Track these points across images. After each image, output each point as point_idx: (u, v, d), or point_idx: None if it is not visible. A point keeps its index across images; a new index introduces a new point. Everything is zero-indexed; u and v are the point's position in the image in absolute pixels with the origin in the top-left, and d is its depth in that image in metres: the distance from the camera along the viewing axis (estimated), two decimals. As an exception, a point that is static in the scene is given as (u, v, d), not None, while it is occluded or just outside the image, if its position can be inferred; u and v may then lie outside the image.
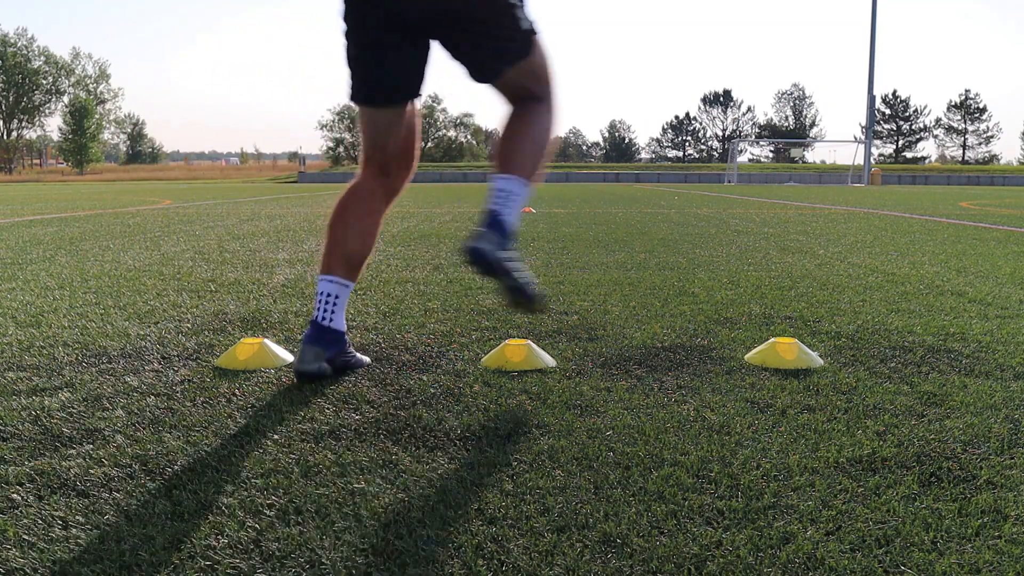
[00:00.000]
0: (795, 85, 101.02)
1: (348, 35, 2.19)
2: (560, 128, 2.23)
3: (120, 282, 4.06)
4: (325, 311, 2.27)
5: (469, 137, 79.46)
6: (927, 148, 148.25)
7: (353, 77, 2.24)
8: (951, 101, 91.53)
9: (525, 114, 2.25)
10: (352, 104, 2.30)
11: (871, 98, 44.61)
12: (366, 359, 2.44)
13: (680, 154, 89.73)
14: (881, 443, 1.75)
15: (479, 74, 2.22)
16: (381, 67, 2.19)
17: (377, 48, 2.16)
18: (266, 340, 2.47)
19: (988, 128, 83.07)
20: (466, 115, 78.66)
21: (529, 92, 2.26)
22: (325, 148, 76.56)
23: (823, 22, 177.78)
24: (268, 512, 1.41)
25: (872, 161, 49.59)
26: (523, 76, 2.23)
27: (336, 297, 2.30)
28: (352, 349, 2.38)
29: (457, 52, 2.20)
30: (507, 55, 2.18)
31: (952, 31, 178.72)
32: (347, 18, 2.16)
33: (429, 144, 77.66)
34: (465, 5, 2.09)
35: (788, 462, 1.64)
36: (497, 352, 2.43)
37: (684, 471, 1.59)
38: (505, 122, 2.27)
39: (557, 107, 2.32)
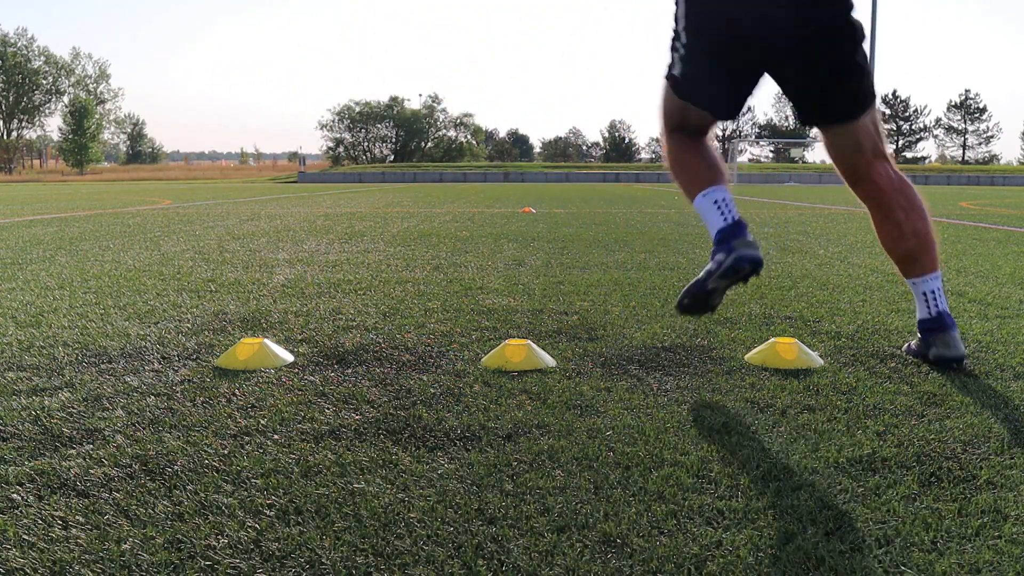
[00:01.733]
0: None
1: (694, 49, 2.26)
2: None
3: (120, 282, 4.06)
4: (734, 210, 2.30)
5: (469, 137, 79.45)
6: (927, 148, 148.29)
7: (686, 79, 2.32)
8: (951, 101, 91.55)
9: (909, 209, 2.38)
10: (669, 87, 2.37)
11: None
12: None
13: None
14: (881, 443, 1.75)
15: (835, 110, 2.29)
16: (732, 90, 2.32)
17: (732, 72, 2.27)
18: (266, 340, 2.47)
19: (988, 128, 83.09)
20: (466, 115, 78.72)
21: (871, 158, 2.35)
22: (325, 148, 76.61)
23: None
24: (268, 512, 1.41)
25: (872, 161, 49.44)
26: (858, 133, 2.32)
27: (731, 198, 2.33)
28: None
29: (800, 87, 2.29)
30: (862, 89, 2.27)
31: (952, 31, 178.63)
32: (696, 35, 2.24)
33: (429, 144, 77.70)
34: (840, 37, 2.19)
35: (788, 462, 1.64)
36: (497, 352, 2.43)
37: (684, 471, 1.59)
38: (890, 220, 2.39)
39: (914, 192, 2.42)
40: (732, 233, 2.23)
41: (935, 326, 2.38)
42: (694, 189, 2.34)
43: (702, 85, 2.32)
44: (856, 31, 2.20)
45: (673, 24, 2.32)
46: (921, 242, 2.38)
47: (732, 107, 2.38)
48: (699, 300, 2.26)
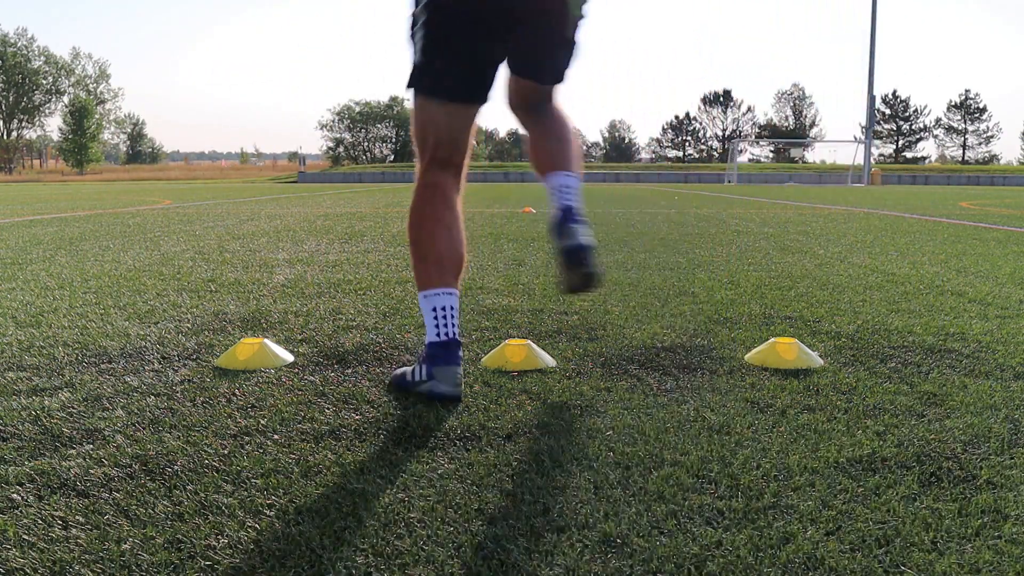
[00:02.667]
0: (795, 85, 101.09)
1: (439, 27, 2.10)
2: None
3: (120, 282, 4.06)
4: (448, 324, 2.13)
5: (469, 137, 79.29)
6: (927, 148, 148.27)
7: (438, 71, 2.14)
8: (951, 101, 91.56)
9: (562, 122, 2.37)
10: (422, 96, 2.19)
11: (871, 98, 44.61)
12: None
13: (680, 154, 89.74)
14: (881, 443, 1.75)
15: (550, 76, 2.32)
16: (475, 64, 2.16)
17: (475, 43, 2.13)
18: (266, 340, 2.47)
19: (988, 128, 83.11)
20: (466, 115, 78.52)
21: (552, 100, 2.38)
22: (325, 148, 76.60)
23: (823, 22, 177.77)
24: (268, 512, 1.41)
25: (872, 161, 49.59)
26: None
27: (454, 308, 2.16)
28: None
29: (530, 51, 2.26)
30: (568, 62, 2.32)
31: (952, 31, 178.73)
32: (438, 10, 2.09)
33: (429, 144, 77.50)
34: (551, 4, 2.16)
35: (788, 462, 1.64)
36: (497, 352, 2.43)
37: (684, 471, 1.59)
38: (546, 127, 2.36)
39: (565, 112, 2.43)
40: (439, 356, 2.07)
41: (561, 221, 2.14)
42: (421, 279, 2.17)
43: (448, 70, 2.15)
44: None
45: (411, 8, 2.16)
46: (561, 144, 2.30)
47: (480, 88, 2.21)
48: (399, 389, 2.16)
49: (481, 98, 2.23)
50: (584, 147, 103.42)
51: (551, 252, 2.28)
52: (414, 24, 2.15)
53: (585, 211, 2.21)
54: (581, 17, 2.26)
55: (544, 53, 2.29)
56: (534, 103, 2.38)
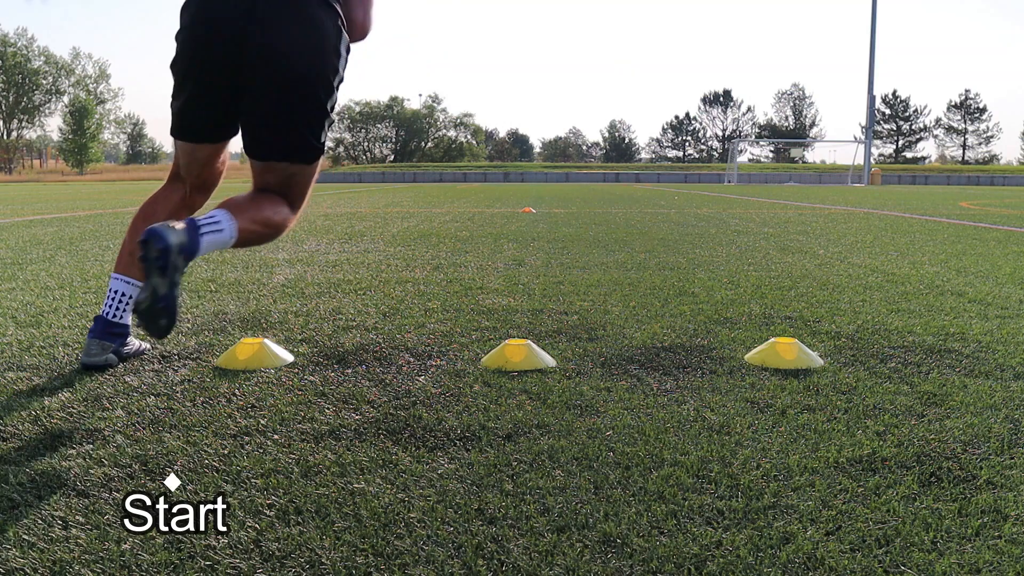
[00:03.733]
0: (795, 85, 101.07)
1: (182, 75, 2.17)
2: (277, 234, 2.29)
3: (120, 282, 4.06)
4: (117, 308, 2.38)
5: (469, 137, 79.47)
6: (927, 148, 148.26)
7: (180, 116, 2.25)
8: (951, 101, 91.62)
9: (275, 200, 2.23)
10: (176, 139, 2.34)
11: (871, 98, 44.62)
12: (145, 345, 2.56)
13: (680, 154, 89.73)
14: (881, 443, 1.75)
15: (259, 148, 2.18)
16: (212, 109, 2.19)
17: (209, 90, 2.15)
18: (266, 340, 2.47)
19: (988, 128, 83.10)
20: (466, 115, 78.72)
21: (284, 196, 2.24)
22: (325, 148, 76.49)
23: (823, 22, 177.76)
24: (268, 512, 1.41)
25: (872, 161, 49.62)
26: (291, 179, 2.21)
27: (129, 296, 2.39)
28: (132, 339, 2.48)
29: (255, 116, 2.15)
30: (300, 148, 2.17)
31: (952, 31, 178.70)
32: (182, 59, 2.15)
33: (429, 144, 77.71)
34: (298, 81, 2.07)
35: (788, 462, 1.64)
36: (497, 352, 2.43)
37: (684, 471, 1.59)
38: (254, 195, 2.23)
39: (291, 223, 2.30)
40: (96, 330, 2.36)
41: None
42: (120, 260, 2.39)
43: (183, 115, 2.25)
44: (322, 89, 2.11)
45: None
46: (252, 208, 2.19)
47: (204, 131, 2.28)
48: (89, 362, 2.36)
49: (208, 139, 2.30)
50: (584, 147, 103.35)
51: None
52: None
53: (201, 251, 1.98)
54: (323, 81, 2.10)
55: (258, 118, 2.14)
56: (260, 184, 2.24)
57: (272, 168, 2.20)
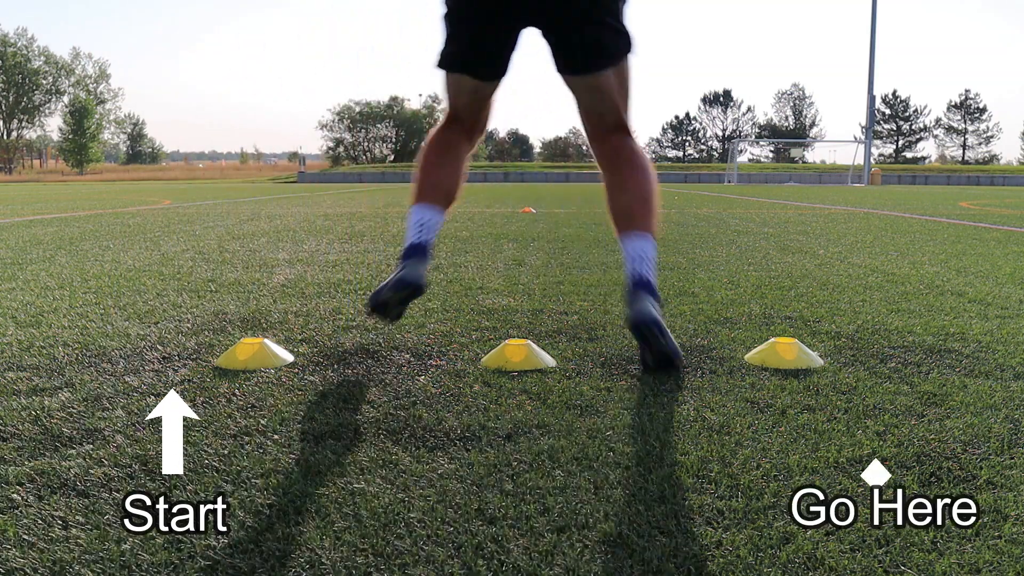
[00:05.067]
0: (795, 85, 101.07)
1: (459, 5, 2.32)
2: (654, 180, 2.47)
3: (120, 282, 4.06)
4: (428, 234, 2.42)
5: (469, 137, 79.28)
6: (927, 148, 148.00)
7: (460, 46, 2.38)
8: (951, 101, 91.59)
9: (634, 164, 2.43)
10: (445, 71, 2.44)
11: (871, 98, 44.63)
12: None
13: (680, 154, 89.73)
14: (881, 443, 1.75)
15: (580, 63, 2.32)
16: (496, 42, 2.34)
17: (492, 21, 2.29)
18: (266, 340, 2.47)
19: (988, 128, 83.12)
20: (466, 115, 78.53)
21: (615, 113, 2.42)
22: (325, 148, 76.63)
23: (823, 22, 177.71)
24: (268, 512, 1.41)
25: (872, 161, 49.61)
26: (615, 83, 2.36)
27: (436, 223, 2.45)
28: None
29: (561, 35, 2.30)
30: (612, 48, 2.32)
31: (952, 31, 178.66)
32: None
33: (429, 144, 77.52)
34: None
35: (788, 462, 1.64)
36: (497, 352, 2.43)
37: (684, 471, 1.59)
38: (616, 173, 2.43)
39: (641, 150, 2.49)
40: (409, 253, 2.38)
41: (631, 291, 2.33)
42: (416, 195, 2.50)
43: (463, 49, 2.39)
44: None
45: None
46: (640, 202, 2.44)
47: (493, 66, 2.43)
48: (377, 306, 2.37)
49: (494, 76, 2.44)
50: (584, 147, 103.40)
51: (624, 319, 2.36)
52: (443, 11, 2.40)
53: (655, 278, 2.33)
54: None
55: (568, 34, 2.29)
56: (596, 120, 2.42)
57: (600, 82, 2.34)
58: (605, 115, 2.46)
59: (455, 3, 2.36)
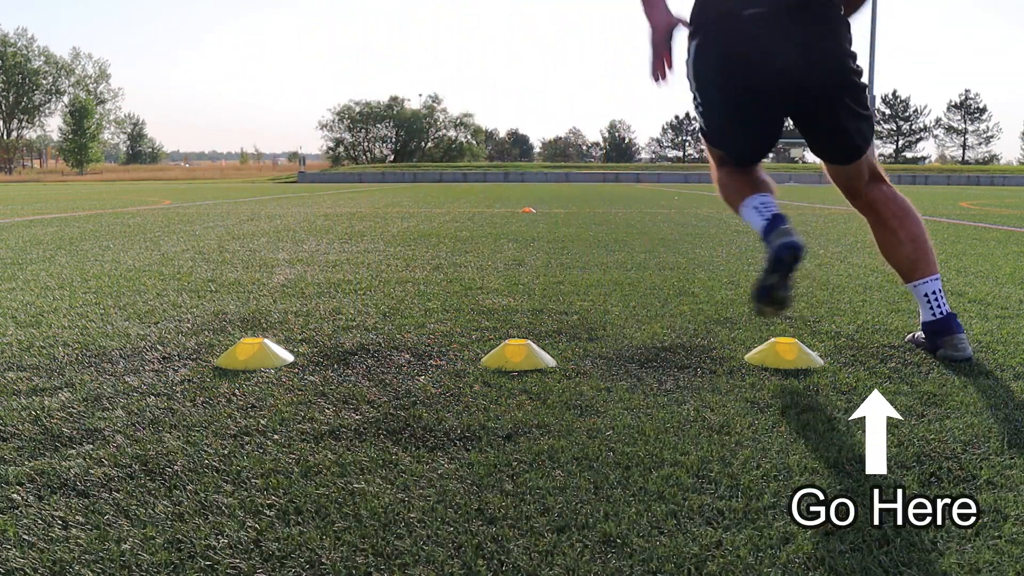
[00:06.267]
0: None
1: (708, 103, 2.42)
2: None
3: (120, 282, 4.06)
4: (772, 208, 2.41)
5: (469, 137, 79.45)
6: (927, 148, 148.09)
7: (719, 131, 2.51)
8: (951, 101, 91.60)
9: (902, 210, 2.53)
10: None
11: (871, 98, 44.62)
12: None
13: (680, 154, 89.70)
14: (881, 443, 1.75)
15: (844, 154, 2.43)
16: (764, 137, 2.47)
17: (759, 118, 2.39)
18: (266, 340, 2.47)
19: (988, 128, 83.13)
20: (466, 115, 78.70)
21: (870, 177, 2.52)
22: (325, 148, 76.64)
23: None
24: (268, 512, 1.41)
25: (872, 161, 49.50)
26: (861, 165, 2.48)
27: (771, 201, 2.45)
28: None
29: (809, 129, 2.41)
30: (867, 140, 2.43)
31: (952, 31, 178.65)
32: (703, 89, 2.39)
33: (429, 144, 77.71)
34: (840, 79, 2.30)
35: (788, 462, 1.64)
36: (497, 352, 2.43)
37: (684, 471, 1.59)
38: (885, 221, 2.54)
39: (906, 200, 2.57)
40: (770, 228, 2.32)
41: (941, 328, 2.48)
42: (738, 201, 2.49)
43: (727, 136, 2.51)
44: (858, 84, 2.33)
45: (688, 85, 2.47)
46: (918, 247, 2.50)
47: (757, 150, 2.53)
48: (764, 298, 2.29)
49: (757, 157, 2.55)
50: (584, 147, 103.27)
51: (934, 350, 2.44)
52: (694, 99, 2.49)
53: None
54: (854, 82, 2.31)
55: (821, 128, 2.39)
56: (848, 187, 2.53)
57: (858, 166, 2.47)
58: (861, 177, 2.54)
59: (715, 97, 2.40)
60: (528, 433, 1.82)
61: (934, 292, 2.49)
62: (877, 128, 77.60)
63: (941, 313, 2.48)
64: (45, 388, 2.15)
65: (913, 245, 2.50)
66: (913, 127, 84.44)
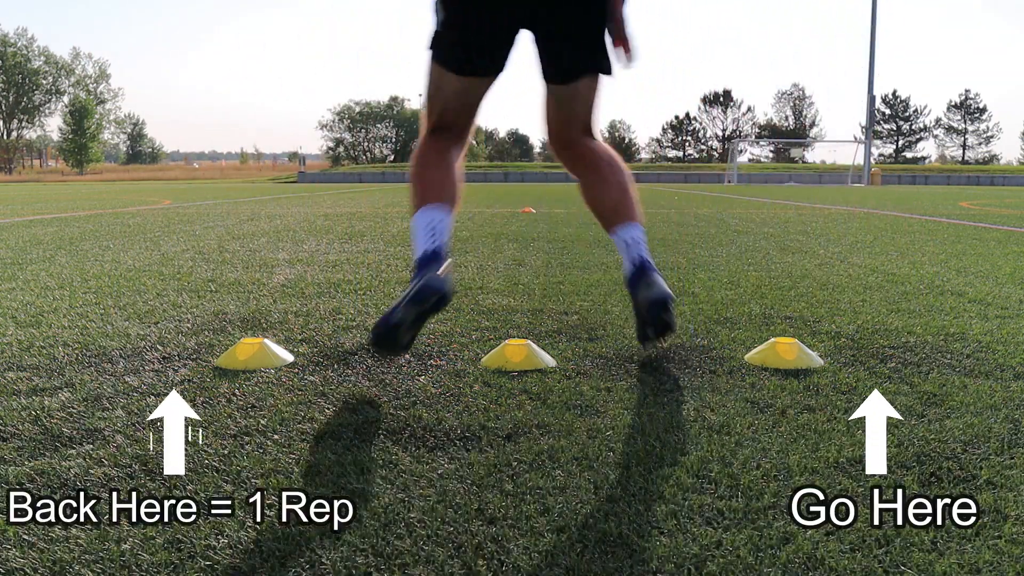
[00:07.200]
0: (795, 85, 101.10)
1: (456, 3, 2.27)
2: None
3: (120, 282, 4.06)
4: (441, 237, 2.23)
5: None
6: (927, 148, 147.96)
7: (451, 43, 2.30)
8: (951, 101, 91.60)
9: (611, 160, 2.46)
10: (436, 62, 2.33)
11: (871, 98, 44.62)
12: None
13: (680, 154, 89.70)
14: (881, 443, 1.75)
15: (563, 68, 2.33)
16: (494, 39, 2.29)
17: (492, 18, 2.25)
18: (266, 340, 2.47)
19: (988, 128, 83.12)
20: (466, 115, 78.63)
21: (587, 126, 2.46)
22: (325, 148, 76.68)
23: (823, 22, 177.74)
24: (268, 512, 1.41)
25: (872, 161, 49.62)
26: (588, 96, 2.39)
27: (445, 224, 2.27)
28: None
29: (548, 39, 2.29)
30: (593, 59, 2.34)
31: (952, 31, 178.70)
32: None
33: (429, 144, 77.63)
34: None
35: (788, 462, 1.64)
36: (497, 352, 2.43)
37: (684, 471, 1.59)
38: (595, 172, 2.45)
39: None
40: (427, 261, 2.13)
41: (638, 274, 2.32)
42: (420, 201, 2.30)
43: (461, 44, 2.29)
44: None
45: None
46: (624, 194, 2.45)
47: (491, 62, 2.35)
48: (383, 333, 2.08)
49: (492, 71, 2.36)
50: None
51: (631, 304, 2.33)
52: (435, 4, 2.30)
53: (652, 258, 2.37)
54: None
55: (556, 42, 2.30)
56: (567, 136, 2.45)
57: (581, 90, 2.35)
58: (580, 119, 2.48)
59: None
60: (528, 433, 1.82)
61: (635, 239, 2.37)
62: (877, 128, 77.67)
63: (639, 260, 2.33)
64: (45, 388, 2.15)
65: (619, 191, 2.44)
66: (913, 127, 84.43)
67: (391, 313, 2.07)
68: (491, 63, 2.34)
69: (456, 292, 3.73)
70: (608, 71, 2.41)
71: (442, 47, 2.31)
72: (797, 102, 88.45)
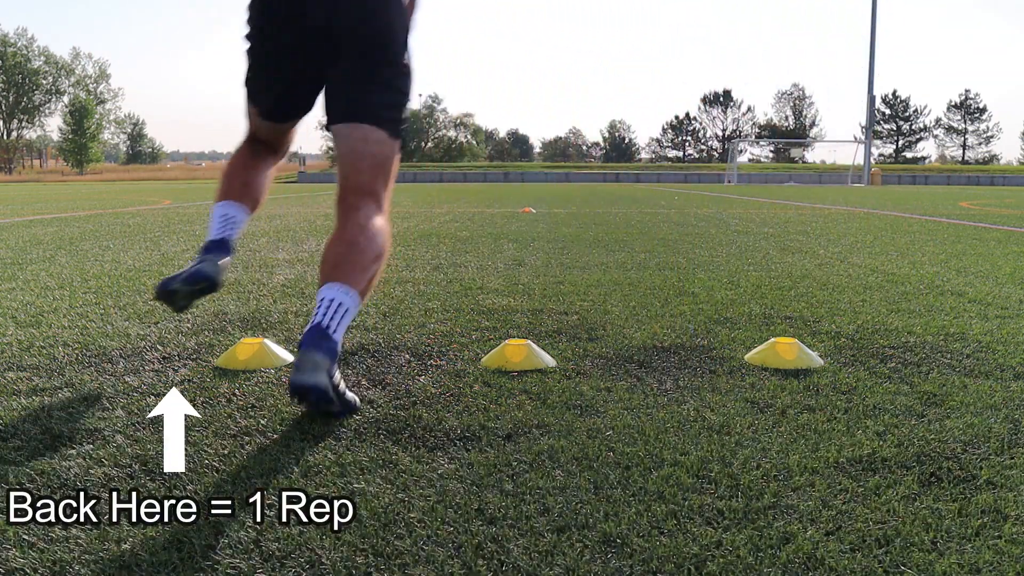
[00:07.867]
0: (795, 85, 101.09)
1: (253, 52, 2.27)
2: (386, 252, 2.13)
3: (120, 282, 4.06)
4: (232, 230, 2.39)
5: (469, 137, 79.47)
6: (927, 148, 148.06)
7: (259, 92, 2.34)
8: (951, 101, 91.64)
9: (368, 223, 2.11)
10: (252, 105, 2.38)
11: (871, 98, 44.63)
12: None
13: (680, 154, 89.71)
14: (881, 443, 1.75)
15: (349, 108, 2.16)
16: (295, 89, 2.30)
17: (293, 70, 2.24)
18: (266, 340, 2.47)
19: (988, 128, 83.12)
20: (466, 115, 78.72)
21: (371, 175, 2.16)
22: (325, 148, 76.64)
23: (823, 22, 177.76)
24: (268, 512, 1.41)
25: (872, 161, 49.62)
26: (378, 147, 2.16)
27: (240, 221, 2.42)
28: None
29: (338, 80, 2.18)
30: (384, 104, 2.17)
31: (952, 31, 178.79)
32: (257, 33, 2.23)
33: (429, 144, 77.71)
34: (375, 34, 2.15)
35: (788, 462, 1.64)
36: (497, 352, 2.43)
37: (684, 471, 1.59)
38: (343, 226, 2.11)
39: (387, 230, 2.17)
40: (210, 248, 2.31)
41: (305, 338, 1.90)
42: (220, 195, 2.44)
43: (258, 78, 2.32)
44: (398, 49, 2.20)
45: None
46: (357, 256, 2.06)
47: (281, 108, 2.36)
48: (164, 294, 2.24)
49: (298, 116, 2.41)
50: (584, 147, 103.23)
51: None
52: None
53: (340, 345, 1.95)
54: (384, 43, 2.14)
55: (345, 86, 2.16)
56: (345, 192, 2.15)
57: (364, 132, 2.15)
58: (361, 173, 2.15)
59: (254, 41, 2.24)
60: (528, 433, 1.82)
61: (332, 301, 1.95)
62: (877, 128, 77.71)
63: (314, 322, 1.93)
64: (45, 388, 2.15)
65: (350, 250, 2.05)
66: (913, 127, 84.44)
67: (173, 279, 2.24)
68: (294, 111, 2.37)
69: (460, 291, 3.73)
70: (397, 128, 2.20)
71: (251, 91, 2.37)
72: (797, 102, 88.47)
